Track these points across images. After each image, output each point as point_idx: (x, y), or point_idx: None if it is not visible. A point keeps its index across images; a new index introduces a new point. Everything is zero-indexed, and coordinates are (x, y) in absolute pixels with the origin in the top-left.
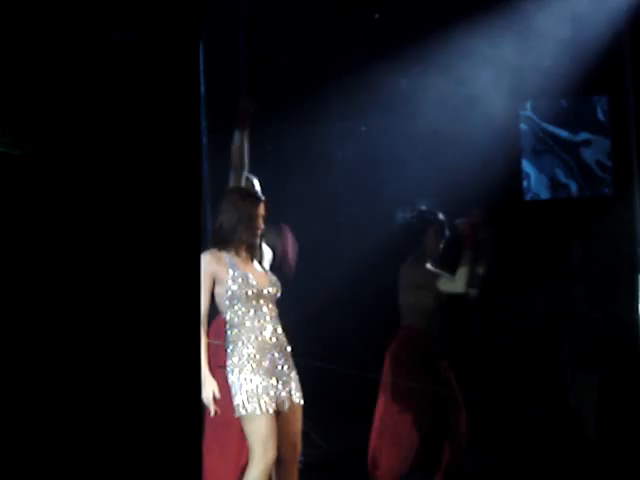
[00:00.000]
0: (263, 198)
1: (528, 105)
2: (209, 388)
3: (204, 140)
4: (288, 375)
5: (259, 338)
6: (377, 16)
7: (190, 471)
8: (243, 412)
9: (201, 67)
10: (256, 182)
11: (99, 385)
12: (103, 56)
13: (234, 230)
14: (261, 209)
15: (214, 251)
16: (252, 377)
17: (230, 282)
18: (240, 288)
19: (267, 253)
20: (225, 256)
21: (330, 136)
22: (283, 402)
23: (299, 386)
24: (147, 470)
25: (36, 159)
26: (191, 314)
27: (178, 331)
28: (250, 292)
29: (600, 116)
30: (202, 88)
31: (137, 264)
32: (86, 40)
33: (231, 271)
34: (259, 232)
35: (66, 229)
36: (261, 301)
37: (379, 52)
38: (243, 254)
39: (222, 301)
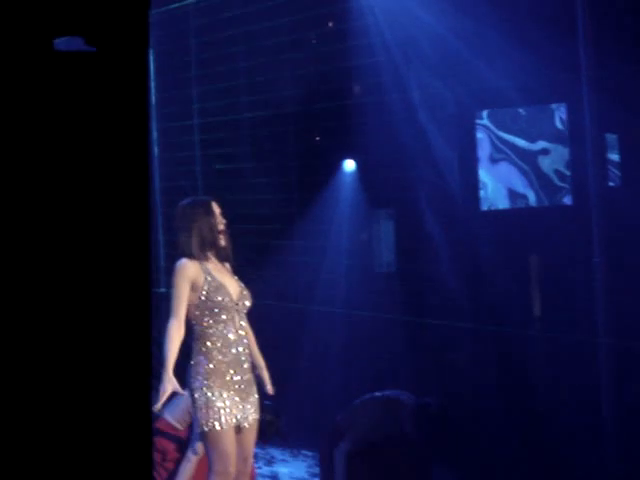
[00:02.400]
0: (212, 201)
1: (484, 113)
2: (169, 386)
3: (155, 150)
4: (249, 390)
5: (225, 351)
6: (330, 24)
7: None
8: (205, 428)
9: (152, 76)
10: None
11: (49, 387)
12: (50, 64)
13: (200, 243)
14: (216, 213)
15: (190, 259)
16: (215, 392)
17: (205, 288)
18: (214, 296)
19: None
20: (201, 264)
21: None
22: (243, 417)
23: (258, 400)
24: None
25: None
26: (140, 327)
27: (127, 343)
28: (223, 301)
29: (558, 124)
30: (152, 98)
31: (86, 276)
32: (32, 49)
33: (209, 277)
34: (222, 235)
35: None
36: (232, 313)
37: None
38: (216, 262)
39: (192, 310)
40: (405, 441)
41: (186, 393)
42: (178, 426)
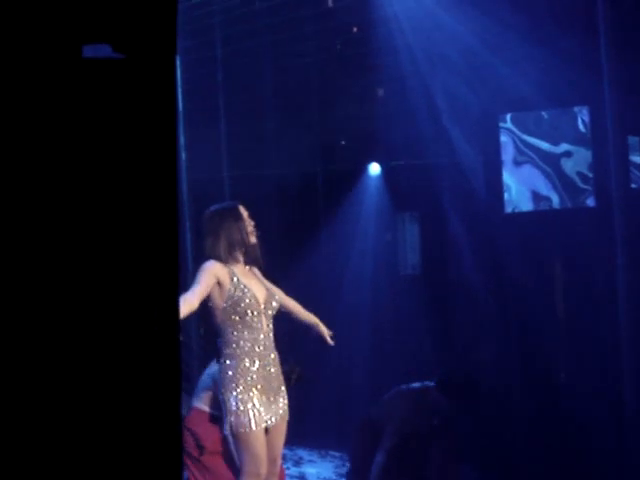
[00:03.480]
0: (240, 207)
1: (508, 117)
2: None
3: (183, 156)
4: (278, 392)
5: (253, 354)
6: (355, 30)
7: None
8: (236, 430)
9: (179, 82)
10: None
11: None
12: (78, 73)
13: (228, 246)
14: (244, 216)
15: (218, 261)
16: (245, 394)
17: (232, 291)
18: (241, 299)
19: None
20: (228, 267)
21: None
22: (272, 419)
23: (287, 402)
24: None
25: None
26: (169, 327)
27: (156, 346)
28: (250, 304)
29: (581, 127)
30: (180, 104)
31: (114, 280)
32: (60, 58)
33: (235, 280)
34: (253, 238)
35: (37, 243)
36: (259, 316)
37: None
38: (243, 266)
39: (219, 313)
40: (435, 432)
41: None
42: (206, 408)
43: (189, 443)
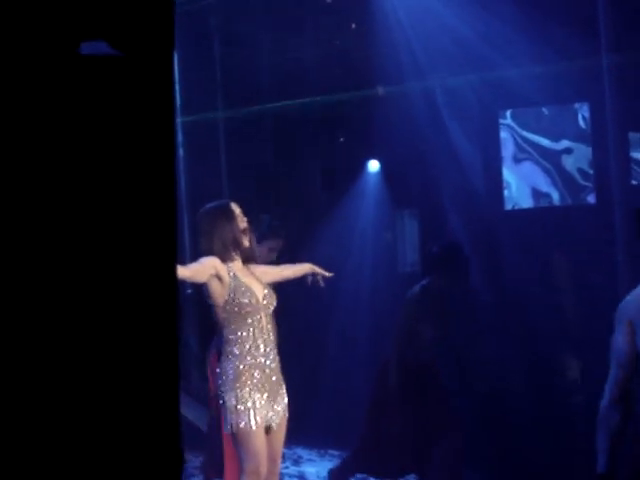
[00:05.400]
0: (232, 204)
1: (508, 113)
2: None
3: (181, 152)
4: (278, 390)
5: (253, 352)
6: (353, 26)
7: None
8: (236, 428)
9: (176, 78)
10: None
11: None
12: (76, 70)
13: (222, 246)
14: (236, 213)
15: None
16: (245, 393)
17: (231, 288)
18: (240, 298)
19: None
20: (226, 264)
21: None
22: (273, 418)
23: (287, 401)
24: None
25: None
26: (168, 325)
27: (154, 344)
28: (249, 302)
29: (581, 124)
30: (178, 100)
31: (112, 277)
32: (57, 54)
33: (234, 278)
34: (245, 234)
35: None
36: (258, 313)
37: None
38: (240, 264)
39: (219, 311)
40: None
41: None
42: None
43: None
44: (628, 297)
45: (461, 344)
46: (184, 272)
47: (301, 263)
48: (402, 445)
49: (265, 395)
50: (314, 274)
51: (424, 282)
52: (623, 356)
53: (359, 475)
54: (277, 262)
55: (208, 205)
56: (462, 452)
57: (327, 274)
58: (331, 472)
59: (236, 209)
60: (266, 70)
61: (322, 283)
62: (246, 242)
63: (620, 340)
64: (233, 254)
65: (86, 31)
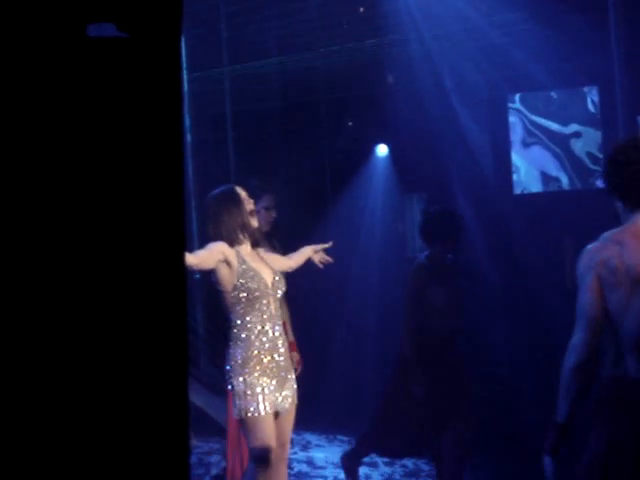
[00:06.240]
0: (237, 188)
1: (517, 97)
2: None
3: (188, 138)
4: (286, 375)
5: (262, 338)
6: (362, 10)
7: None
8: (245, 414)
9: (184, 64)
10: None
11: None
12: (82, 52)
13: (229, 234)
14: (242, 197)
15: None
16: (254, 379)
17: (240, 274)
18: (248, 283)
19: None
20: (234, 249)
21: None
22: (281, 403)
23: (295, 386)
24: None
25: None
26: (176, 312)
27: (163, 330)
28: (258, 287)
29: (590, 107)
30: (185, 85)
31: (120, 264)
32: (64, 36)
33: (242, 264)
34: (252, 216)
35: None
36: (267, 298)
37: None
38: (249, 249)
39: (228, 297)
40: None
41: None
42: None
43: None
44: (590, 246)
45: (470, 328)
46: (192, 260)
47: (300, 250)
48: (415, 421)
49: (274, 380)
50: (317, 252)
51: (427, 252)
52: (593, 312)
53: (366, 459)
54: (277, 220)
55: (214, 191)
56: (470, 443)
57: (327, 245)
58: (343, 458)
59: (242, 192)
60: (275, 57)
61: (327, 259)
62: (254, 222)
63: (588, 294)
64: (241, 238)
65: (93, 13)
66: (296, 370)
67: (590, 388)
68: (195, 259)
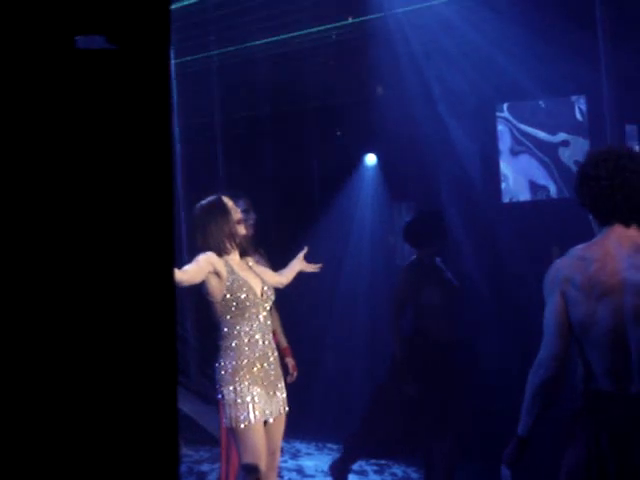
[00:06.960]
0: (224, 198)
1: (505, 106)
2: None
3: (178, 148)
4: (276, 384)
5: (252, 347)
6: (350, 19)
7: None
8: (235, 423)
9: (172, 75)
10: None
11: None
12: (71, 64)
13: (217, 244)
14: (229, 207)
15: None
16: (244, 388)
17: (228, 284)
18: (238, 292)
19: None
20: (223, 259)
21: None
22: (271, 412)
23: (285, 395)
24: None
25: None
26: (166, 321)
27: (152, 339)
28: (247, 297)
29: (578, 116)
30: (174, 96)
31: (109, 271)
32: (53, 47)
33: (231, 273)
34: (240, 224)
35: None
36: (257, 308)
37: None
38: (238, 259)
39: (217, 306)
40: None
41: None
42: None
43: None
44: (556, 262)
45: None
46: (182, 276)
47: (289, 265)
48: (402, 421)
49: (264, 390)
50: (301, 263)
51: (414, 256)
52: (559, 328)
53: (355, 467)
54: (259, 221)
55: (201, 202)
56: (459, 453)
57: (317, 267)
58: (331, 466)
59: (228, 202)
60: (263, 67)
61: (316, 267)
62: (243, 230)
63: (554, 311)
64: (230, 247)
65: (82, 25)
66: (292, 375)
67: (554, 403)
68: (185, 275)
